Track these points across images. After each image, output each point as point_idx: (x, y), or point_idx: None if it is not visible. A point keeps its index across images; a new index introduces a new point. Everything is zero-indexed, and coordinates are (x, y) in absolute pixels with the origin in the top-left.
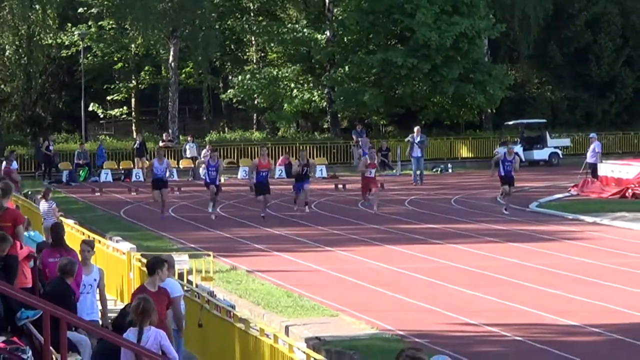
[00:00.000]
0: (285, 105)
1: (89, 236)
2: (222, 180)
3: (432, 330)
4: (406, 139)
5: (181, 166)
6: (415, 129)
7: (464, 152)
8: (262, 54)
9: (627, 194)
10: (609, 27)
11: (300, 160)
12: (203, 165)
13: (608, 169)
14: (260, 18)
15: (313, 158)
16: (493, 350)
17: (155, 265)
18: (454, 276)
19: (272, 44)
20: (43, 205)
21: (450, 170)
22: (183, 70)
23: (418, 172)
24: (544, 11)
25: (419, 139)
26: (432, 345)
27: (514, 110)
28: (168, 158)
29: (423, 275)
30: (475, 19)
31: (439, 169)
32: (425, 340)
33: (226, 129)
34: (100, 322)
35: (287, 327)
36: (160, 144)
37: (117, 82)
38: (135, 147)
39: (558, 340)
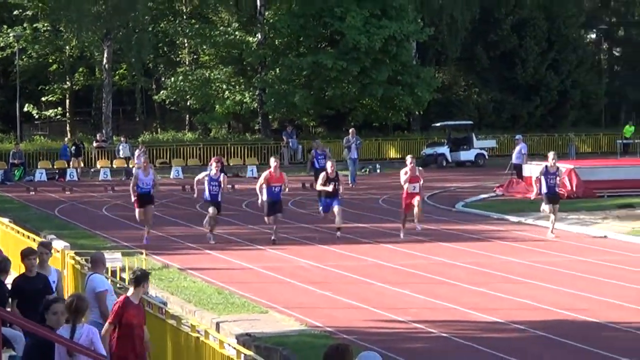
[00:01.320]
0: (217, 106)
1: (23, 234)
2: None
3: (360, 327)
4: (344, 142)
5: (114, 166)
6: (351, 130)
7: (392, 153)
8: (195, 56)
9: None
10: (535, 32)
11: (330, 174)
12: (200, 177)
13: (533, 169)
14: (193, 21)
15: (243, 158)
16: (420, 347)
17: (141, 279)
18: (382, 274)
19: (204, 47)
20: None
21: (378, 171)
22: (117, 72)
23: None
24: (471, 15)
25: (357, 140)
26: (360, 341)
27: (441, 112)
28: (101, 158)
29: (352, 273)
30: (403, 23)
31: (368, 170)
32: (354, 336)
33: (159, 129)
34: None
35: (217, 324)
36: (94, 144)
37: (51, 83)
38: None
39: (483, 337)
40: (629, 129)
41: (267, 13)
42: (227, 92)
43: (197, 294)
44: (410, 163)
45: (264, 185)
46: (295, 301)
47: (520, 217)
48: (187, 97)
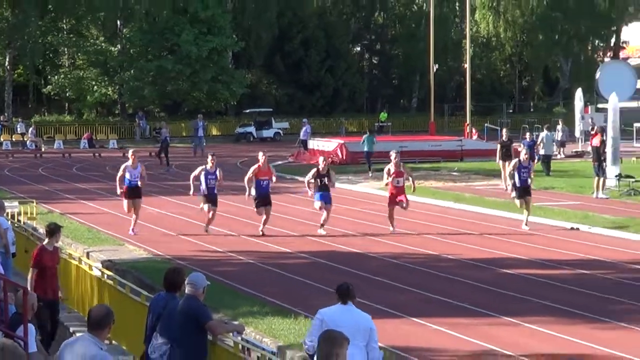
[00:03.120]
0: (88, 97)
1: None
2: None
3: (190, 255)
4: (193, 125)
5: (13, 139)
6: (199, 116)
7: (214, 131)
8: (72, 61)
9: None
10: (317, 45)
11: (321, 169)
12: (196, 173)
13: (315, 144)
14: (71, 35)
15: (107, 135)
16: (232, 270)
17: (54, 230)
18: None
19: (79, 54)
20: None
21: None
22: (15, 71)
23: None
24: (272, 33)
25: (203, 123)
26: (190, 265)
27: (250, 102)
28: (4, 133)
29: (187, 217)
30: (223, 38)
31: (195, 144)
32: (186, 262)
33: (46, 113)
34: None
35: (87, 253)
36: None
37: None
38: None
39: (277, 263)
40: (383, 115)
41: (125, 30)
42: (95, 87)
43: (73, 231)
44: (395, 158)
45: (253, 179)
46: (144, 237)
47: (303, 177)
48: (67, 90)
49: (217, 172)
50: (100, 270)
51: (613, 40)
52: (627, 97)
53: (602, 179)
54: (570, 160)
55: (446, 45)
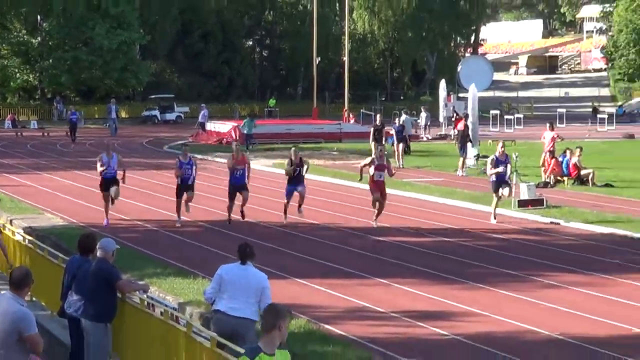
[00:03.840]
0: (12, 83)
1: None
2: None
3: (100, 223)
4: (108, 109)
5: None
6: (112, 100)
7: (123, 114)
8: None
9: (222, 142)
10: (214, 39)
11: (294, 158)
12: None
13: (212, 126)
14: None
15: (28, 116)
16: (138, 236)
17: None
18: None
19: (3, 45)
20: None
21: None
22: None
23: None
24: (175, 28)
25: (116, 107)
26: (101, 232)
27: (155, 89)
28: None
29: (98, 189)
30: (131, 32)
31: (107, 125)
32: (98, 229)
33: None
34: None
35: (10, 220)
36: None
37: None
38: None
39: (178, 230)
40: (272, 101)
41: (45, 24)
42: (18, 74)
43: None
44: (381, 151)
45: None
46: (61, 207)
47: (205, 155)
48: None
49: (192, 162)
50: (22, 235)
51: (473, 38)
52: (484, 88)
53: (463, 159)
54: (435, 142)
55: (327, 40)
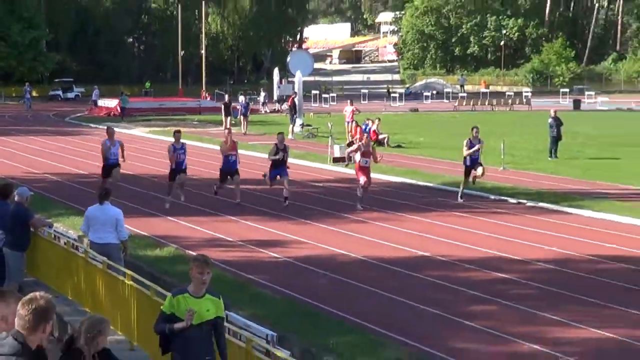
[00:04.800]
0: None
1: None
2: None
3: (19, 175)
4: (24, 92)
5: None
6: (27, 84)
7: (35, 94)
8: None
9: (110, 114)
10: (104, 36)
11: (278, 144)
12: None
13: (102, 102)
14: None
15: None
16: (47, 186)
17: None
18: (35, 151)
19: None
20: None
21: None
22: None
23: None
24: (74, 28)
25: (30, 88)
26: (18, 182)
27: (59, 74)
28: None
29: (15, 149)
30: (40, 31)
31: (24, 102)
32: (16, 180)
33: None
34: None
35: None
36: None
37: None
38: None
39: (78, 181)
40: (147, 84)
41: None
42: None
43: None
44: (366, 139)
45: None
46: None
47: (96, 124)
48: None
49: (184, 147)
50: None
51: (298, 36)
52: (307, 74)
53: (292, 126)
54: (272, 115)
55: (189, 38)
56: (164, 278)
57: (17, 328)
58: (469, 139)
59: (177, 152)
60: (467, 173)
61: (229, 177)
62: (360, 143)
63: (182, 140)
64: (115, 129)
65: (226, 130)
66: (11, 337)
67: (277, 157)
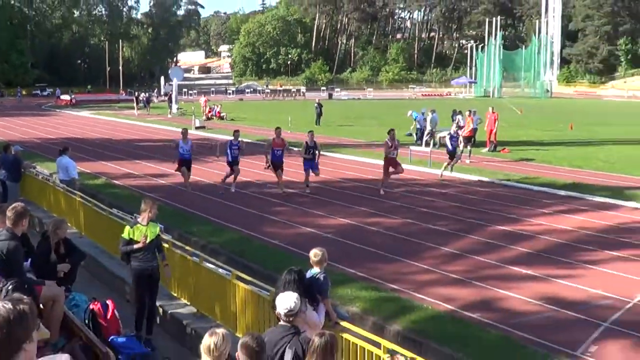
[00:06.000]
0: None
1: None
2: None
3: (16, 139)
4: None
5: None
6: (19, 87)
7: None
8: None
9: (69, 104)
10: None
11: (309, 141)
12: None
13: (63, 97)
14: None
15: None
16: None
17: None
18: (22, 125)
19: None
20: None
21: None
22: None
23: None
24: (45, 56)
25: (20, 90)
26: (15, 142)
27: (39, 82)
28: None
29: None
30: (26, 57)
31: (18, 97)
32: (14, 141)
33: None
34: None
35: None
36: None
37: None
38: None
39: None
40: (89, 87)
41: None
42: None
43: None
44: (393, 138)
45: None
46: None
47: (61, 110)
48: None
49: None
50: None
51: (175, 58)
52: (180, 80)
53: (170, 110)
54: (160, 103)
55: (113, 59)
56: (100, 196)
57: (7, 224)
58: (450, 132)
59: (233, 147)
60: (450, 158)
61: (277, 168)
62: (387, 139)
63: (240, 138)
64: (70, 112)
65: (278, 129)
66: (5, 230)
67: (308, 155)
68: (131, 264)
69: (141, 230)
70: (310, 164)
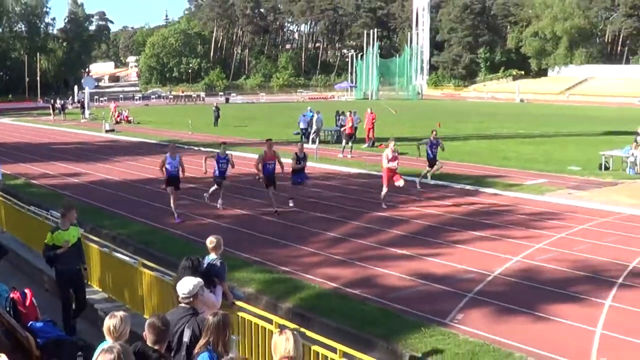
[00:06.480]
0: None
1: None
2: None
3: None
4: None
5: None
6: None
7: None
8: None
9: None
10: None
11: (299, 152)
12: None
13: None
14: None
15: None
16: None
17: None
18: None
19: None
20: None
21: None
22: None
23: None
24: None
25: None
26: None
27: None
28: None
29: None
30: None
31: None
32: None
33: None
34: None
35: None
36: None
37: None
38: None
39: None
40: (10, 96)
41: None
42: None
43: None
44: (393, 147)
45: (261, 163)
46: None
47: None
48: None
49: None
50: None
51: (87, 69)
52: (92, 88)
53: (82, 115)
54: (74, 109)
55: (32, 71)
56: (20, 195)
57: None
58: (430, 138)
59: (221, 161)
60: (429, 165)
61: (272, 184)
62: (387, 151)
63: (227, 151)
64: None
65: (269, 140)
66: None
67: (300, 165)
68: (56, 266)
69: (62, 235)
70: (301, 175)
